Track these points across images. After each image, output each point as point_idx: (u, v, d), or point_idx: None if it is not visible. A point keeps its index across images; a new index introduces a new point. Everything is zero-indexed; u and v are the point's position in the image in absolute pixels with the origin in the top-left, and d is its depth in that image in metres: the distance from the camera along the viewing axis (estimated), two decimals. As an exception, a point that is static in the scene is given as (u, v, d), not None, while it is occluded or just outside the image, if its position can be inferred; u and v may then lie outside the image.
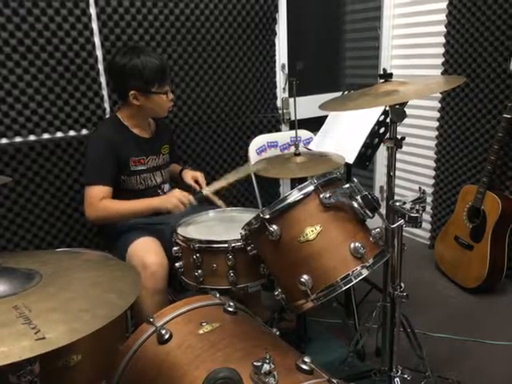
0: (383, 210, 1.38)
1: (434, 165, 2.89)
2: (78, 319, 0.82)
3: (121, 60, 1.74)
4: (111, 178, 1.77)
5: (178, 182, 2.05)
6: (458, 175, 2.75)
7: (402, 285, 1.47)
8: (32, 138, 2.02)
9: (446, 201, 2.85)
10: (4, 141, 1.96)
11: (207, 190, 1.87)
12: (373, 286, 2.20)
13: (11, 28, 1.87)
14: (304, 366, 1.03)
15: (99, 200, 1.72)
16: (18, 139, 1.99)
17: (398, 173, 3.05)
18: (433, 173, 2.91)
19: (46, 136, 2.05)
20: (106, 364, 1.25)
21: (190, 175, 2.01)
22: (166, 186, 1.99)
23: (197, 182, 1.97)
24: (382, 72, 1.42)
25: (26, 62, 1.92)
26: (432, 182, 2.92)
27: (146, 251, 1.70)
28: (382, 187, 3.26)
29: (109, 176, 1.76)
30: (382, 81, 1.41)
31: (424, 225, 3.03)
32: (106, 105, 2.16)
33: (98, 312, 0.85)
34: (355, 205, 1.31)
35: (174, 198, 1.73)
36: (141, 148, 1.87)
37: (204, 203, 1.94)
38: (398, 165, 3.10)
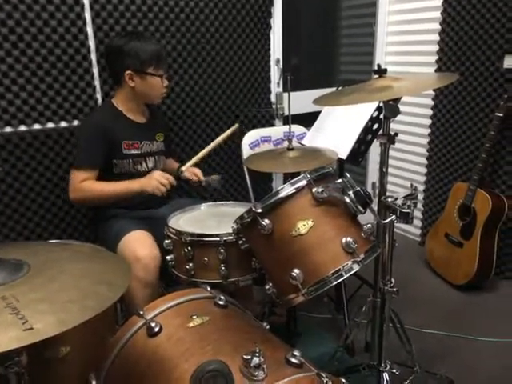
0: (375, 206, 1.39)
1: (425, 162, 2.90)
2: (67, 310, 0.82)
3: (119, 41, 1.81)
4: (97, 161, 1.80)
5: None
6: (449, 172, 2.76)
7: (393, 280, 1.48)
8: (23, 128, 1.99)
9: (437, 198, 2.87)
10: (-6, 131, 1.94)
11: (186, 166, 1.93)
12: (363, 281, 2.21)
13: (2, 16, 1.83)
14: (293, 360, 1.03)
15: (80, 182, 1.76)
16: (8, 129, 1.96)
17: (390, 169, 3.05)
18: (424, 170, 2.93)
19: (36, 126, 2.02)
20: (95, 356, 1.25)
21: (188, 170, 2.01)
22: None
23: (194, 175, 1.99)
24: (376, 68, 1.42)
25: (17, 52, 1.89)
26: (424, 179, 2.94)
27: (139, 244, 1.70)
28: (374, 183, 3.27)
29: (94, 159, 1.79)
30: (376, 76, 1.41)
31: (415, 222, 3.03)
32: (99, 96, 2.13)
33: (87, 303, 0.84)
34: (347, 200, 1.31)
35: (154, 180, 1.75)
36: (134, 132, 1.89)
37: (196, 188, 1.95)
38: (390, 161, 3.11)
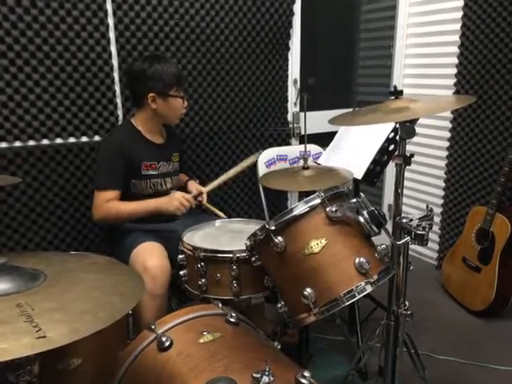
0: (390, 227, 1.38)
1: (443, 184, 2.87)
2: (80, 320, 0.83)
3: (142, 65, 1.84)
4: (120, 181, 1.83)
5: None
6: (467, 196, 2.73)
7: (407, 303, 1.46)
8: (45, 142, 2.05)
9: (454, 221, 2.83)
10: (18, 144, 1.99)
11: (206, 189, 1.97)
12: (378, 304, 2.18)
13: (30, 34, 1.91)
14: (303, 381, 1.01)
15: (105, 202, 1.79)
16: (31, 143, 2.02)
17: (407, 192, 3.04)
18: (442, 192, 2.89)
19: (58, 141, 2.08)
20: (106, 369, 1.25)
21: (195, 186, 2.06)
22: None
23: (200, 194, 2.01)
24: (392, 89, 1.43)
25: (43, 68, 1.96)
26: (441, 201, 2.90)
27: (149, 255, 1.72)
28: (390, 205, 3.24)
29: (118, 180, 1.82)
30: (392, 97, 1.42)
31: (432, 245, 3.00)
32: (120, 112, 2.19)
33: (100, 314, 0.85)
34: (361, 220, 1.31)
35: (176, 200, 1.79)
36: (153, 153, 1.92)
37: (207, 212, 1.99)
38: (407, 184, 3.08)
